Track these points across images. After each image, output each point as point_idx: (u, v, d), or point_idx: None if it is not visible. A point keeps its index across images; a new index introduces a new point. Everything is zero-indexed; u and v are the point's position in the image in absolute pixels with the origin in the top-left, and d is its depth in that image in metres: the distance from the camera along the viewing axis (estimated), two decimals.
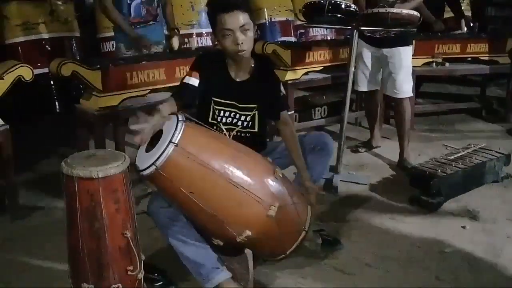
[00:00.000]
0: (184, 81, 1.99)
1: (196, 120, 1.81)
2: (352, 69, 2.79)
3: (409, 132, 3.37)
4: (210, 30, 4.21)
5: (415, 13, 2.65)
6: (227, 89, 2.03)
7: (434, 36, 4.13)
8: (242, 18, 1.86)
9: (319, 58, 3.55)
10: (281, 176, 1.84)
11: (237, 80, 2.03)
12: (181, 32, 4.17)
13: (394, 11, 2.61)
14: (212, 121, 2.04)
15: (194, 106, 2.07)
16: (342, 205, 2.76)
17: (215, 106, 2.03)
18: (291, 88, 3.46)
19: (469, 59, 4.32)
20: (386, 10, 2.61)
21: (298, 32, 4.96)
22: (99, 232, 1.59)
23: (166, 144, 1.58)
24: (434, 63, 4.15)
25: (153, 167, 1.58)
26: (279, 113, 2.09)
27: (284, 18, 4.80)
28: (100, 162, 1.60)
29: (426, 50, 4.03)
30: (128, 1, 3.03)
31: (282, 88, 2.11)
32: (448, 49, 4.18)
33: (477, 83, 5.27)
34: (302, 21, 3.30)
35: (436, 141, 3.89)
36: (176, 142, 1.58)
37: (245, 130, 2.06)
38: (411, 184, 2.77)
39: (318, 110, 4.09)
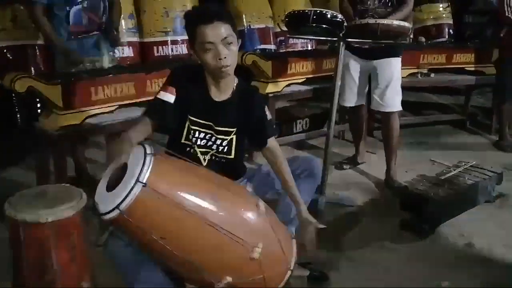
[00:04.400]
0: (159, 96, 1.74)
1: (167, 150, 1.57)
2: (338, 83, 2.58)
3: (397, 149, 3.20)
4: (185, 37, 4.01)
5: (406, 24, 2.47)
6: (204, 108, 1.80)
7: (420, 46, 3.98)
8: (224, 30, 1.64)
9: (301, 69, 3.35)
10: (264, 209, 1.62)
11: (216, 99, 1.81)
12: (155, 39, 3.95)
13: (384, 22, 2.42)
14: (186, 142, 1.81)
15: (170, 126, 1.83)
16: (329, 231, 2.55)
17: (190, 126, 1.80)
18: (273, 101, 3.24)
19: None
20: (375, 21, 2.42)
21: (278, 40, 4.77)
22: (50, 286, 1.34)
23: (132, 183, 1.32)
24: (419, 74, 4.02)
25: (117, 211, 1.31)
26: (266, 140, 1.87)
27: (263, 25, 4.59)
28: (51, 203, 1.35)
29: (411, 61, 3.88)
30: (67, 7, 2.64)
31: (268, 111, 1.90)
32: (434, 59, 4.05)
33: (460, 92, 5.18)
34: (285, 31, 3.12)
35: (422, 155, 3.75)
36: (144, 181, 1.33)
37: (220, 155, 1.83)
38: (402, 208, 2.59)
39: (300, 123, 3.89)
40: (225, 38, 1.64)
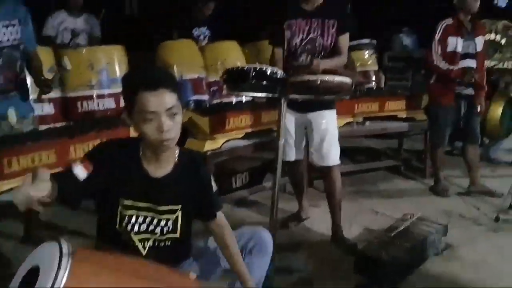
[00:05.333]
0: (71, 167, 1.49)
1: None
2: (282, 142, 2.44)
3: (341, 202, 3.10)
4: (113, 91, 3.71)
5: (348, 80, 2.41)
6: (141, 189, 1.55)
7: (354, 95, 3.99)
8: (169, 99, 1.44)
9: (240, 124, 3.20)
10: None
11: (156, 176, 1.57)
12: (79, 94, 3.64)
13: (326, 78, 2.34)
14: (120, 230, 1.55)
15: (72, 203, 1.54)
16: None
17: (123, 211, 1.54)
18: (211, 160, 3.04)
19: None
20: (317, 78, 2.33)
21: (211, 90, 4.62)
22: None
23: None
24: (355, 123, 4.03)
25: None
26: (214, 213, 1.68)
27: (195, 76, 4.42)
28: None
29: (346, 110, 3.89)
30: None
31: (213, 183, 1.70)
32: (367, 108, 4.10)
33: (391, 136, 5.29)
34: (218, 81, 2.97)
35: (363, 205, 3.72)
36: None
37: (165, 237, 1.59)
38: (356, 272, 2.45)
39: (239, 177, 3.71)
40: (170, 108, 1.44)
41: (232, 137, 3.17)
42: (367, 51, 5.58)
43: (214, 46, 4.58)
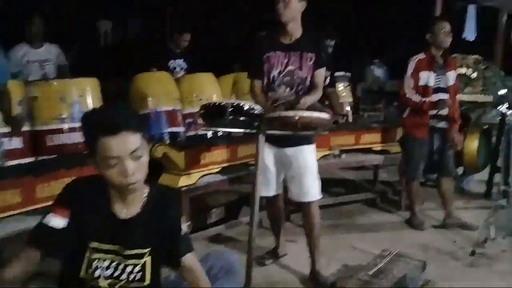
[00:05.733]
0: (45, 222, 1.41)
1: None
2: (260, 178, 2.40)
3: (320, 238, 3.04)
4: None
5: (326, 116, 2.40)
6: (108, 230, 1.47)
7: (330, 128, 4.00)
8: (133, 141, 1.37)
9: (216, 158, 3.14)
10: None
11: (123, 216, 1.49)
12: (49, 127, 3.52)
13: (304, 115, 2.33)
14: (86, 276, 1.45)
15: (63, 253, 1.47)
16: None
17: (90, 255, 1.45)
18: (186, 196, 2.95)
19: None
20: (295, 114, 2.31)
21: (187, 122, 4.56)
22: None
23: None
24: (331, 156, 4.02)
25: None
26: (179, 260, 1.57)
27: (170, 108, 4.36)
28: None
29: (323, 143, 3.88)
30: None
31: (183, 224, 1.61)
32: (344, 140, 4.11)
33: (366, 168, 5.31)
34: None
35: (341, 240, 3.67)
36: None
37: (132, 285, 1.50)
38: None
39: (215, 212, 3.63)
40: (134, 151, 1.37)
41: (208, 171, 3.10)
42: (342, 84, 5.66)
43: (190, 78, 4.56)
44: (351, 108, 5.92)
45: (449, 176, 4.01)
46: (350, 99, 6.21)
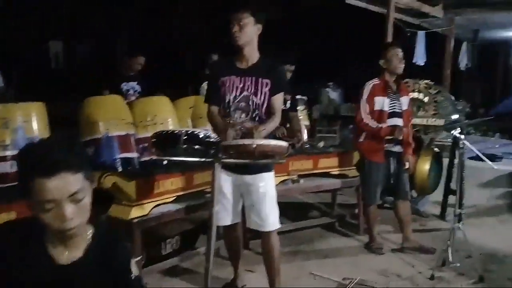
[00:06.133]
0: None
1: None
2: (216, 208, 2.29)
3: (280, 267, 2.95)
4: None
5: (284, 143, 2.34)
6: (46, 279, 1.31)
7: (289, 153, 3.94)
8: (73, 183, 1.22)
9: (170, 187, 2.99)
10: None
11: (63, 262, 1.34)
12: None
13: (262, 143, 2.26)
14: None
15: None
16: None
17: None
18: (137, 228, 2.78)
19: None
20: (252, 142, 2.23)
21: (140, 147, 4.39)
22: None
23: None
24: (290, 181, 3.96)
25: None
26: None
27: (123, 133, 4.18)
28: None
29: (281, 168, 3.81)
30: None
31: (134, 266, 1.47)
32: (302, 165, 4.06)
33: (327, 191, 5.29)
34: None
35: (301, 267, 3.60)
36: None
37: None
38: None
39: (169, 243, 3.45)
40: (74, 194, 1.22)
41: (161, 201, 2.95)
42: (299, 107, 5.66)
43: (144, 101, 4.41)
44: (307, 132, 5.93)
45: (405, 199, 4.03)
46: (307, 123, 6.23)
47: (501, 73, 14.05)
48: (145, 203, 2.83)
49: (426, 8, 7.98)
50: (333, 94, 11.79)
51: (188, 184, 3.12)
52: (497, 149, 8.06)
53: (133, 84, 4.97)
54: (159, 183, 2.91)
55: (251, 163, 2.46)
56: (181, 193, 3.07)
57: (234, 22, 2.67)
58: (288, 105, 4.39)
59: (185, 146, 2.14)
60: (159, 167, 3.05)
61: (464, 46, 10.01)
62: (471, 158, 4.67)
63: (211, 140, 2.21)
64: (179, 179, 3.05)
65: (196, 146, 2.18)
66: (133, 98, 4.85)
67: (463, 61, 9.98)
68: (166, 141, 2.20)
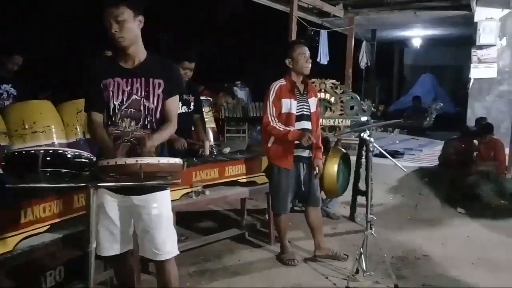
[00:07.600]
0: None
1: None
2: (94, 245, 1.83)
3: None
4: None
5: (177, 161, 1.94)
6: None
7: (191, 162, 3.53)
8: None
9: (42, 214, 2.44)
10: None
11: None
12: None
13: (149, 161, 1.83)
14: None
15: None
16: None
17: None
18: (1, 267, 2.22)
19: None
20: (136, 161, 1.80)
21: None
22: None
23: None
24: (193, 193, 3.56)
25: None
26: None
27: None
28: None
29: (183, 180, 3.39)
30: None
31: None
32: (207, 175, 3.69)
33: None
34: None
35: None
36: None
37: None
38: None
39: (51, 275, 2.89)
40: None
41: (31, 232, 2.39)
42: (203, 109, 5.27)
43: (20, 106, 3.78)
44: (214, 134, 5.60)
45: (316, 206, 3.83)
46: (213, 124, 5.88)
47: (397, 71, 14.85)
48: (7, 237, 2.26)
49: (327, 8, 8.02)
50: (241, 93, 11.57)
51: (66, 209, 2.59)
52: (398, 145, 8.36)
53: (7, 86, 4.30)
54: (27, 211, 2.35)
55: (137, 185, 2.02)
56: (58, 220, 2.54)
57: (111, 20, 2.22)
58: (192, 107, 4.01)
59: (47, 169, 1.66)
60: (25, 193, 2.45)
61: (363, 46, 10.29)
62: (374, 155, 4.62)
63: (83, 160, 1.75)
64: (53, 204, 2.50)
65: (63, 170, 1.70)
66: (7, 102, 4.18)
67: (363, 60, 10.25)
68: (20, 165, 1.69)
